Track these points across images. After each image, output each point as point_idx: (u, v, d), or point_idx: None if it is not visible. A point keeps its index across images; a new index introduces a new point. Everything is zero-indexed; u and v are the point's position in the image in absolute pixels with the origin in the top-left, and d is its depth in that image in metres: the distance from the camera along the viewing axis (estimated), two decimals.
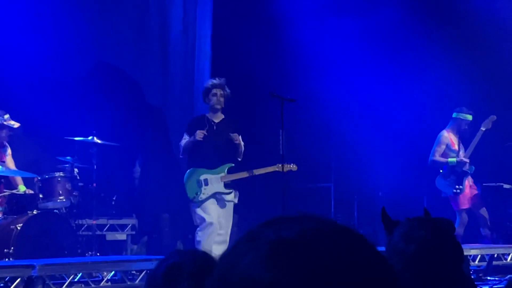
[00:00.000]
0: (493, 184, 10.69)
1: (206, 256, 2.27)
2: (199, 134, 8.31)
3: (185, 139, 8.48)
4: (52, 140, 9.39)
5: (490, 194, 10.67)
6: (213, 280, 1.11)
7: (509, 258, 9.86)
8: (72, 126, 9.44)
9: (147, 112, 11.03)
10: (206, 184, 8.35)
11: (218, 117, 8.53)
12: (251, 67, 11.12)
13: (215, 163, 8.42)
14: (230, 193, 8.40)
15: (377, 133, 11.73)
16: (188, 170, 8.49)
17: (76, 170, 8.98)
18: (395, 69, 11.77)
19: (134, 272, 8.10)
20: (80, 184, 9.07)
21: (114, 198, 10.05)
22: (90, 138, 9.07)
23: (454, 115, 10.44)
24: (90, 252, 8.98)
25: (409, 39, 11.81)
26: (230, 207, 8.44)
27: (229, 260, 1.09)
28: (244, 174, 8.44)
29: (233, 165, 8.47)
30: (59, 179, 8.70)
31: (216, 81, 8.52)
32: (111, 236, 10.00)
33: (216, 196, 8.35)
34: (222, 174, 8.40)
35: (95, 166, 9.13)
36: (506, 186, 10.65)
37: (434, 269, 2.50)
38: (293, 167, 8.49)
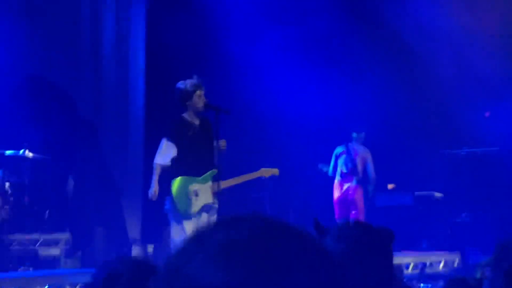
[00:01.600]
0: (425, 192, 10.88)
1: (147, 263, 2.25)
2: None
3: (167, 145, 7.87)
4: None
5: (421, 202, 10.85)
6: (159, 282, 1.08)
7: (441, 266, 10.04)
8: (3, 139, 9.26)
9: (80, 125, 10.89)
10: (197, 195, 7.79)
11: (197, 120, 8.04)
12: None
13: (201, 170, 7.88)
14: (217, 203, 7.89)
15: (310, 140, 11.82)
16: (176, 179, 7.81)
17: (7, 184, 8.81)
18: (330, 76, 11.90)
19: (67, 287, 7.98)
20: (12, 198, 8.89)
21: (47, 212, 9.88)
22: (21, 151, 8.91)
23: (363, 135, 10.59)
24: (22, 267, 8.80)
25: (342, 46, 11.96)
26: (214, 213, 7.90)
27: (177, 262, 1.06)
28: (231, 182, 8.01)
29: (217, 171, 7.95)
30: None
31: (196, 81, 7.97)
32: (44, 251, 9.81)
33: (205, 208, 7.83)
34: (210, 183, 7.88)
35: (27, 180, 8.97)
36: (437, 194, 10.85)
37: (363, 267, 2.54)
38: (275, 171, 8.35)
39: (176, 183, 7.82)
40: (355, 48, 11.94)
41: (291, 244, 1.06)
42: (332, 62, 11.95)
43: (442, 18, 11.57)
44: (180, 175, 7.85)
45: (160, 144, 8.01)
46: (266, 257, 1.03)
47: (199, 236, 1.08)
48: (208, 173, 7.93)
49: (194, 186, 7.82)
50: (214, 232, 1.07)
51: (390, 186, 11.42)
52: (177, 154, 7.89)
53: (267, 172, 8.30)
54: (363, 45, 11.94)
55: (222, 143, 7.97)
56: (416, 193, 10.86)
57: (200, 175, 7.91)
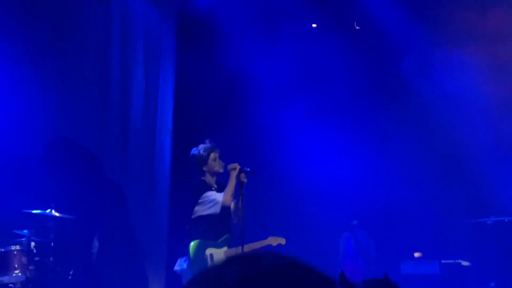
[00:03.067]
0: (451, 260, 10.75)
1: None
2: (235, 166, 7.83)
3: (213, 194, 7.92)
4: (8, 213, 9.25)
5: (448, 270, 10.71)
6: None
7: None
8: (30, 199, 9.33)
9: (106, 187, 10.94)
10: (212, 260, 7.76)
11: (215, 184, 8.11)
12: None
13: (217, 234, 7.89)
14: None
15: (336, 205, 11.78)
16: (193, 243, 7.82)
17: (33, 243, 8.82)
18: (355, 143, 11.92)
19: None
20: (37, 258, 8.89)
21: (70, 273, 9.85)
22: (48, 211, 8.95)
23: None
24: None
25: (367, 114, 12.02)
26: None
27: None
28: (245, 249, 7.69)
29: (230, 236, 7.99)
30: (15, 252, 8.52)
31: (208, 144, 8.15)
32: None
33: None
34: (225, 249, 7.84)
35: (52, 240, 8.98)
36: (464, 263, 10.71)
37: None
38: (282, 240, 8.30)
39: (193, 246, 7.79)
40: (380, 116, 11.99)
41: (302, 281, 1.08)
42: (356, 129, 11.99)
43: (470, 87, 11.59)
44: (197, 238, 7.82)
45: (207, 198, 7.95)
46: None
47: (215, 270, 1.11)
48: (223, 237, 7.91)
49: (210, 251, 7.80)
50: (230, 267, 1.09)
51: (416, 255, 11.32)
52: (194, 217, 7.90)
53: (274, 240, 8.26)
54: (388, 112, 11.98)
55: (243, 178, 7.86)
56: (443, 261, 10.72)
57: (216, 240, 7.86)
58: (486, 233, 10.77)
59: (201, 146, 8.15)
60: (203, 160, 8.11)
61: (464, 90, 11.61)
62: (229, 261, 1.13)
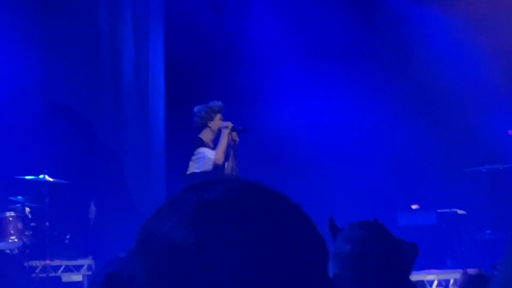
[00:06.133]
0: (447, 210, 10.78)
1: None
2: (227, 123, 7.97)
3: (206, 151, 8.00)
4: (2, 180, 9.26)
5: (444, 220, 10.76)
6: (134, 247, 1.09)
7: None
8: (23, 165, 9.33)
9: (101, 151, 10.94)
10: None
11: (212, 143, 8.18)
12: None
13: None
14: None
15: (332, 158, 11.73)
16: None
17: (28, 209, 8.85)
18: (350, 96, 11.87)
19: None
20: (33, 224, 8.93)
21: (67, 237, 9.89)
22: (41, 176, 8.96)
23: None
24: None
25: (361, 65, 11.95)
26: None
27: (151, 225, 1.08)
28: None
29: None
30: (10, 218, 8.58)
31: (211, 104, 8.24)
32: (66, 277, 9.81)
33: None
34: None
35: (47, 205, 9.01)
36: (460, 212, 10.75)
37: (370, 268, 2.48)
38: None
39: None
40: (375, 66, 11.91)
41: (262, 204, 1.06)
42: (349, 81, 11.90)
43: (466, 37, 11.53)
44: None
45: (200, 154, 8.00)
46: (237, 217, 1.03)
47: (173, 200, 1.08)
48: None
49: None
50: (188, 195, 1.07)
51: (414, 207, 11.33)
52: (188, 174, 7.94)
53: None
54: (383, 63, 11.90)
55: (235, 136, 7.94)
56: (439, 210, 10.75)
57: None
58: (481, 181, 10.81)
59: (204, 105, 8.21)
60: (212, 114, 8.20)
61: (459, 40, 11.56)
62: (188, 188, 1.11)
